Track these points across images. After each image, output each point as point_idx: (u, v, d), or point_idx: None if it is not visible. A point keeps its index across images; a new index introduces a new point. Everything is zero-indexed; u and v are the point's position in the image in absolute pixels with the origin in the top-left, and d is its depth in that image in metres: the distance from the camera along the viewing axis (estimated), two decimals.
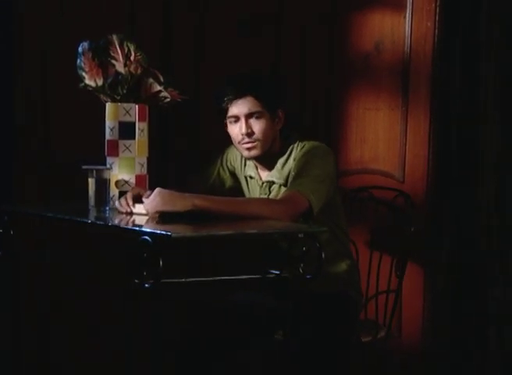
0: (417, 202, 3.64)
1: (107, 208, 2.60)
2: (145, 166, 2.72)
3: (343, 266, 2.83)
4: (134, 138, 2.68)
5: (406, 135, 3.73)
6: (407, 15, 3.68)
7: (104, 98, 2.67)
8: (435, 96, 3.71)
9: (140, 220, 2.44)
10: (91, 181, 2.58)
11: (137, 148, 2.70)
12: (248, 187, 2.94)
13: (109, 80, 2.64)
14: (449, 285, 3.76)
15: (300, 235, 2.32)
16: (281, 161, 2.80)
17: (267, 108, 2.73)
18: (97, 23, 3.20)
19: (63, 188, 3.02)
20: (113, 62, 2.64)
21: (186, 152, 3.47)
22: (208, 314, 2.74)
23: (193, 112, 3.45)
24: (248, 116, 2.71)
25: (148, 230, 2.15)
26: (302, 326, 2.61)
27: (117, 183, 2.68)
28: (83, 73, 2.66)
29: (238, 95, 2.70)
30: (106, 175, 2.60)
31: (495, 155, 3.77)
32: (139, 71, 2.63)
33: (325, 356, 2.65)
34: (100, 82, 2.64)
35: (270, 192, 2.82)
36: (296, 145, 2.80)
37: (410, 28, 3.69)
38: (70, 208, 2.60)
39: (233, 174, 3.00)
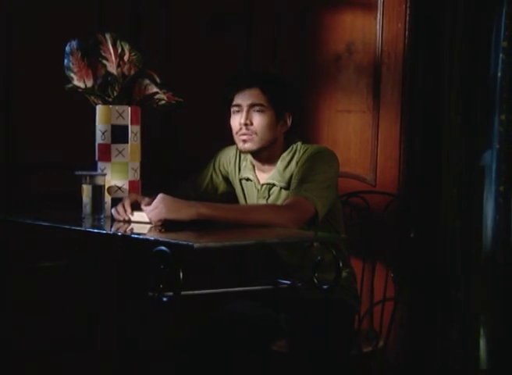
0: (388, 203, 3.64)
1: (102, 215, 2.45)
2: (138, 171, 2.59)
3: (342, 273, 2.76)
4: (127, 142, 2.54)
5: (377, 138, 3.71)
6: (378, 16, 3.66)
7: (95, 100, 2.52)
8: (405, 98, 3.71)
9: (140, 229, 2.31)
10: (86, 188, 2.43)
11: (130, 153, 2.56)
12: (244, 191, 2.84)
13: (99, 81, 2.50)
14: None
15: (315, 244, 2.24)
16: (283, 163, 2.72)
17: (272, 104, 2.66)
18: (65, 22, 3.06)
19: (49, 195, 2.84)
20: (104, 62, 2.50)
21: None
22: (205, 324, 2.63)
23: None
24: (250, 107, 2.65)
25: (167, 239, 2.02)
26: (301, 335, 2.53)
27: (109, 189, 2.53)
28: (72, 74, 2.50)
29: (245, 85, 2.65)
30: (101, 181, 2.45)
31: (457, 157, 3.81)
32: (132, 72, 2.49)
33: (327, 366, 2.58)
34: (89, 83, 2.50)
35: (269, 195, 2.74)
36: (298, 148, 2.73)
37: (381, 29, 3.67)
38: (63, 217, 2.44)
39: (226, 179, 2.90)
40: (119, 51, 2.49)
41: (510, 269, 3.79)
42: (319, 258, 2.22)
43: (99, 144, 2.55)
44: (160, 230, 2.27)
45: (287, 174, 2.70)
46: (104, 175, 2.49)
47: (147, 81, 2.50)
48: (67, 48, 2.51)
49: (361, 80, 3.69)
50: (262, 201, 2.73)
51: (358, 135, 3.71)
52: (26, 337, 2.94)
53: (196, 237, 2.14)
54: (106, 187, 2.52)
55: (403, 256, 3.14)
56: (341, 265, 2.23)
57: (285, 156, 2.73)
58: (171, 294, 1.98)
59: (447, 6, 3.74)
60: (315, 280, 2.22)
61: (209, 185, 2.89)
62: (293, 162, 2.70)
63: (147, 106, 2.56)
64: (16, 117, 2.89)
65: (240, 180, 2.84)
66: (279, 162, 2.72)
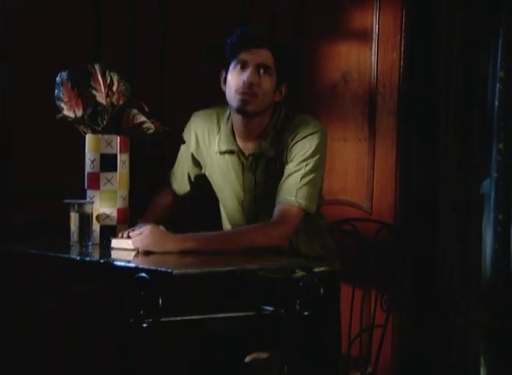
0: (384, 229, 3.66)
1: (90, 243, 2.49)
2: (127, 198, 2.63)
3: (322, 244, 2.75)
4: (116, 171, 2.58)
5: (373, 166, 3.73)
6: (374, 46, 3.70)
7: (84, 130, 2.57)
8: (401, 127, 3.74)
9: (123, 256, 2.34)
10: (73, 216, 2.47)
11: (119, 181, 2.60)
12: (220, 167, 2.69)
13: (89, 111, 2.55)
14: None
15: (297, 270, 2.26)
16: (271, 133, 2.62)
17: (276, 69, 2.59)
18: (62, 51, 3.14)
19: (38, 222, 2.89)
20: (94, 92, 2.55)
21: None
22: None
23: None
24: (258, 67, 2.56)
25: (147, 266, 2.05)
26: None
27: (98, 217, 2.57)
28: (62, 104, 2.56)
29: (255, 44, 2.56)
30: (88, 209, 2.49)
31: (456, 186, 3.82)
32: (121, 101, 2.54)
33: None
34: (79, 113, 2.55)
35: (256, 167, 2.65)
36: (284, 115, 2.65)
37: (376, 59, 3.71)
38: (50, 244, 2.48)
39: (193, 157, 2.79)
40: (108, 81, 2.54)
41: (510, 296, 3.79)
42: (301, 284, 2.24)
43: (88, 173, 2.60)
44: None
45: (276, 144, 2.62)
46: (92, 203, 2.53)
47: (135, 111, 2.55)
48: (58, 79, 2.56)
49: (357, 108, 3.72)
50: (248, 174, 2.64)
51: (354, 163, 3.73)
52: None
53: (176, 263, 2.17)
54: (95, 215, 2.56)
55: (397, 281, 3.17)
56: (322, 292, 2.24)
57: (273, 126, 2.63)
58: (151, 320, 2.00)
59: (443, 37, 3.78)
60: (297, 307, 2.23)
61: (193, 171, 2.80)
62: (285, 134, 2.60)
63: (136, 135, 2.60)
64: (7, 144, 2.94)
65: (218, 153, 2.69)
66: (268, 131, 2.62)
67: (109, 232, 2.56)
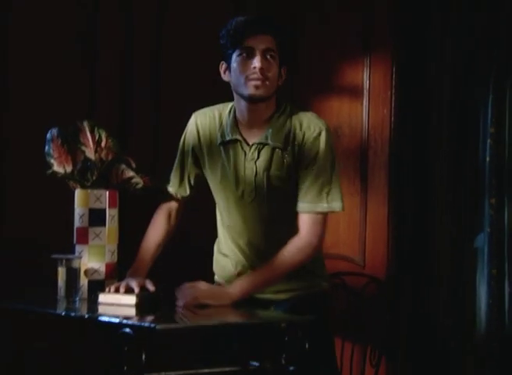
0: (377, 287, 3.66)
1: (77, 298, 2.50)
2: (115, 253, 2.64)
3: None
4: (105, 225, 2.61)
5: (365, 220, 3.75)
6: (365, 102, 3.76)
7: (74, 185, 2.60)
8: (392, 181, 3.77)
9: (109, 310, 2.35)
10: (61, 271, 2.48)
11: (108, 235, 2.62)
12: (223, 159, 2.67)
13: (78, 167, 2.58)
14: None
15: (282, 324, 2.26)
16: (277, 123, 2.62)
17: (279, 53, 2.59)
18: (55, 108, 3.19)
19: (29, 276, 2.90)
20: (83, 148, 2.60)
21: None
22: None
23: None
24: (264, 52, 2.56)
25: (130, 322, 2.06)
26: None
27: (86, 271, 2.58)
28: (52, 160, 2.59)
29: (259, 30, 2.55)
30: (76, 264, 2.51)
31: (448, 240, 3.83)
32: (110, 157, 2.58)
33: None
34: (69, 169, 2.58)
35: (259, 156, 2.62)
36: (290, 109, 2.65)
37: (367, 114, 3.77)
38: (37, 299, 2.49)
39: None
40: (97, 137, 2.58)
41: (504, 352, 3.77)
42: (286, 338, 2.24)
43: (77, 228, 2.62)
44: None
45: (282, 135, 2.61)
46: (80, 258, 2.55)
47: (123, 166, 2.58)
48: (48, 136, 2.61)
49: (349, 163, 3.76)
50: (250, 164, 2.63)
51: (347, 217, 3.75)
52: None
53: (160, 318, 2.18)
54: (83, 269, 2.57)
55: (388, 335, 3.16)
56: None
57: (278, 115, 2.63)
58: None
59: (434, 93, 3.83)
60: (283, 361, 2.23)
61: (193, 171, 2.76)
62: (293, 127, 2.61)
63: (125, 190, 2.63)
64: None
65: (219, 145, 2.68)
66: (273, 121, 2.63)
67: (97, 287, 2.57)
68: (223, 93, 2.82)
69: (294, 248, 2.58)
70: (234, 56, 2.59)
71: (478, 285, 3.85)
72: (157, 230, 2.75)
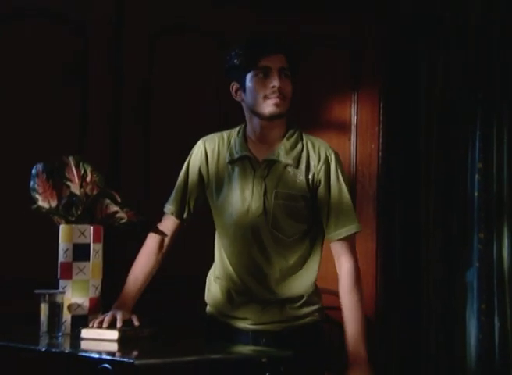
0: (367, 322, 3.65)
1: (60, 334, 2.49)
2: (99, 288, 2.64)
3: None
4: (89, 260, 2.61)
5: None
6: (352, 137, 3.80)
7: (58, 220, 2.61)
8: (381, 215, 3.79)
9: (90, 346, 2.34)
10: (43, 306, 2.48)
11: (92, 270, 2.62)
12: (230, 177, 2.68)
13: (63, 202, 2.60)
14: None
15: (263, 359, 2.26)
16: (289, 141, 2.66)
17: (291, 72, 2.64)
18: (44, 145, 3.21)
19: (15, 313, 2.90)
20: (68, 183, 2.61)
21: None
22: None
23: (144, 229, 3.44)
24: (280, 71, 2.60)
25: (110, 357, 2.06)
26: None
27: (70, 307, 2.58)
28: (37, 195, 2.60)
29: (273, 50, 2.61)
30: (59, 299, 2.51)
31: (438, 275, 3.83)
32: (95, 192, 2.59)
33: None
34: (54, 204, 2.59)
35: (268, 173, 2.65)
36: (301, 134, 2.71)
37: (355, 150, 3.80)
38: (21, 335, 2.48)
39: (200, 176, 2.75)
40: (82, 172, 2.60)
41: None
42: (267, 374, 2.23)
43: (61, 263, 2.62)
44: None
45: (294, 153, 2.65)
46: (63, 293, 2.54)
47: (108, 201, 2.59)
48: (33, 171, 2.61)
49: None
50: (258, 181, 2.65)
51: None
52: None
53: (140, 353, 2.18)
54: (66, 304, 2.57)
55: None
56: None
57: (291, 134, 2.68)
58: None
59: (422, 128, 3.87)
60: None
61: (196, 194, 2.74)
62: (305, 148, 2.67)
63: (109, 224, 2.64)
64: None
65: (228, 163, 2.69)
66: (284, 140, 2.66)
67: (81, 322, 2.56)
68: (213, 128, 2.85)
69: (356, 281, 2.68)
70: (249, 76, 2.62)
71: (467, 320, 3.85)
72: (146, 259, 2.73)
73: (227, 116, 3.62)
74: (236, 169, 2.67)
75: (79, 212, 2.58)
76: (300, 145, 2.68)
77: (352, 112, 3.80)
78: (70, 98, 3.45)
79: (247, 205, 2.65)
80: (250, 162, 2.67)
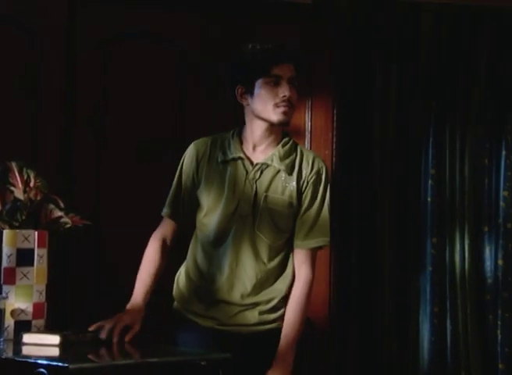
0: (320, 327, 3.69)
1: (1, 339, 2.50)
2: (44, 293, 2.65)
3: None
4: (33, 265, 2.62)
5: None
6: (306, 143, 3.82)
7: (2, 225, 2.62)
8: (335, 220, 3.81)
9: (34, 351, 2.35)
10: None
11: (36, 275, 2.63)
12: (223, 177, 2.73)
13: (7, 207, 2.61)
14: None
15: (202, 363, 2.28)
16: (284, 149, 2.74)
17: (298, 81, 2.74)
18: None
19: None
20: (12, 188, 2.62)
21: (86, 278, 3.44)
22: None
23: (95, 236, 3.46)
24: (289, 81, 2.69)
25: (44, 361, 2.07)
26: None
27: (13, 312, 2.58)
28: None
29: (285, 59, 2.69)
30: (1, 305, 2.51)
31: (392, 280, 3.87)
32: (38, 197, 2.61)
33: None
34: None
35: (260, 176, 2.72)
36: (295, 144, 2.79)
37: None
38: None
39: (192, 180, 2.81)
40: (25, 177, 2.61)
41: None
42: None
43: (4, 268, 2.63)
44: None
45: (288, 160, 2.73)
46: (5, 298, 2.55)
47: (52, 206, 2.60)
48: None
49: None
50: (250, 182, 2.71)
51: None
52: None
53: (76, 357, 2.19)
54: (9, 310, 2.57)
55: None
56: None
57: (286, 142, 2.76)
58: None
59: (375, 135, 3.91)
60: None
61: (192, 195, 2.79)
62: (298, 157, 2.75)
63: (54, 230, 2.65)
64: None
65: (220, 163, 2.75)
66: (279, 146, 2.74)
67: (24, 327, 2.57)
68: (168, 133, 2.87)
69: (307, 291, 2.74)
70: (260, 83, 2.69)
71: (420, 323, 3.90)
72: (151, 263, 2.78)
73: (183, 121, 3.65)
74: (229, 170, 2.73)
75: (23, 218, 2.60)
76: (294, 153, 2.76)
77: (306, 119, 3.83)
78: (21, 110, 3.44)
79: (236, 204, 2.70)
80: (243, 163, 2.73)
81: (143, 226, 2.88)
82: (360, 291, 3.86)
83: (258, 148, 2.75)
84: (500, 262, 3.95)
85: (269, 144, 2.75)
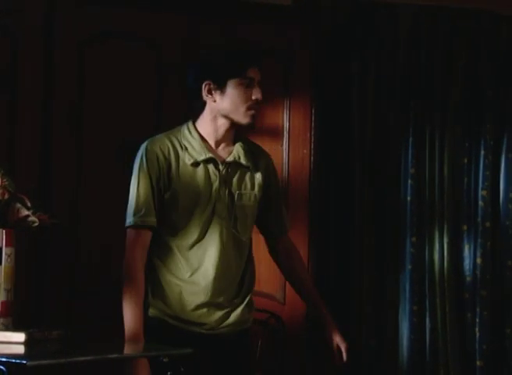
0: (297, 324, 3.72)
1: None
2: (12, 292, 2.66)
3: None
4: (0, 264, 2.64)
5: None
6: (285, 143, 3.85)
7: None
8: (313, 219, 3.85)
9: (12, 349, 2.37)
10: None
11: (4, 274, 2.65)
12: (192, 177, 2.70)
13: None
14: None
15: (164, 359, 2.30)
16: (242, 145, 2.79)
17: None
18: None
19: None
20: None
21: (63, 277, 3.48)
22: None
23: (73, 236, 3.49)
24: (259, 84, 2.73)
25: (3, 359, 2.10)
26: None
27: None
28: None
29: (258, 62, 2.74)
30: None
31: (371, 278, 3.89)
32: (6, 196, 2.63)
33: None
34: None
35: (231, 174, 2.75)
36: (246, 139, 2.85)
37: (287, 155, 3.86)
38: None
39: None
40: None
41: None
42: (169, 373, 2.27)
43: None
44: None
45: (249, 155, 2.78)
46: None
47: (19, 205, 2.62)
48: None
49: None
50: (223, 183, 2.73)
51: (268, 255, 3.75)
52: None
53: (35, 354, 2.21)
54: None
55: None
56: None
57: (241, 138, 2.81)
58: None
59: (354, 134, 3.93)
60: None
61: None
62: (255, 151, 2.83)
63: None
64: None
65: (190, 166, 2.71)
66: (239, 143, 2.78)
67: None
68: (147, 133, 2.87)
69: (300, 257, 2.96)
70: (233, 83, 2.69)
71: (400, 321, 3.92)
72: (142, 284, 2.67)
73: (160, 121, 3.68)
74: (200, 171, 2.71)
75: None
76: (250, 148, 2.81)
77: (284, 119, 3.86)
78: None
79: (213, 205, 2.71)
80: (213, 163, 2.72)
81: (122, 225, 2.82)
82: (339, 291, 3.88)
83: (221, 145, 2.76)
84: (479, 260, 3.98)
85: (230, 141, 2.77)
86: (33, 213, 2.65)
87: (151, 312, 2.69)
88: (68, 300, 3.48)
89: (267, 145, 3.81)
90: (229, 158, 2.74)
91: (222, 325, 2.72)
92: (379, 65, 3.94)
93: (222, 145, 2.76)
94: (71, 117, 3.59)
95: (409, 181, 3.96)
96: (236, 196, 2.73)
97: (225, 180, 2.72)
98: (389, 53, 3.95)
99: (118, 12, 3.59)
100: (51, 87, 3.56)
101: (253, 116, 2.71)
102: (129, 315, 2.61)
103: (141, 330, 2.60)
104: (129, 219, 2.67)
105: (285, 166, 3.85)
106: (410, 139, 3.98)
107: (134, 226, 2.66)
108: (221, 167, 2.72)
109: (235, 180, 2.74)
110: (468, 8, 3.98)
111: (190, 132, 2.75)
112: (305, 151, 3.86)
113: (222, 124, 2.74)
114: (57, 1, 3.56)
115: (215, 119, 2.74)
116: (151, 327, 2.65)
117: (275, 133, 3.86)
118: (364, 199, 3.93)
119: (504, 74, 4.05)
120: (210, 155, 2.71)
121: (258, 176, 2.77)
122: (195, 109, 2.76)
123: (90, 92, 3.61)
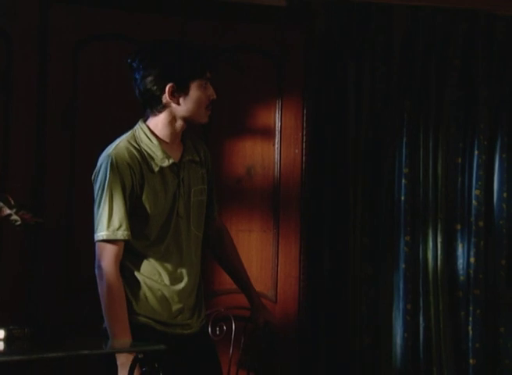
0: (289, 323, 3.75)
1: None
2: None
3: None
4: None
5: (278, 256, 3.85)
6: (277, 142, 3.88)
7: None
8: (304, 218, 3.87)
9: None
10: None
11: None
12: (159, 181, 2.71)
13: None
14: None
15: (139, 355, 2.33)
16: (189, 142, 2.82)
17: None
18: None
19: None
20: None
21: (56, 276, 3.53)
22: None
23: (67, 235, 3.54)
24: (211, 83, 2.79)
25: None
26: None
27: None
28: None
29: (212, 62, 2.81)
30: None
31: (364, 277, 3.91)
32: None
33: None
34: None
35: (186, 173, 2.77)
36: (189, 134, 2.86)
37: (279, 154, 3.89)
38: None
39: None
40: None
41: None
42: (144, 369, 2.31)
43: None
44: None
45: (194, 150, 2.82)
46: None
47: (1, 204, 2.67)
48: None
49: (262, 201, 3.88)
50: (181, 183, 2.76)
51: (259, 253, 3.85)
52: None
53: (13, 351, 2.25)
54: None
55: None
56: None
57: (190, 135, 2.84)
58: None
59: (348, 134, 3.95)
60: None
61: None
62: (195, 143, 2.85)
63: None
64: None
65: (155, 172, 2.71)
66: (188, 140, 2.82)
67: None
68: None
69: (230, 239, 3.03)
70: (196, 85, 2.71)
71: (394, 319, 3.94)
72: (123, 295, 2.65)
73: None
74: (163, 177, 2.71)
75: None
76: (194, 142, 2.85)
77: (276, 118, 3.89)
78: None
79: (176, 208, 2.74)
80: (174, 166, 2.74)
81: None
82: (333, 289, 3.90)
83: (174, 144, 2.76)
84: (472, 259, 3.98)
85: (179, 139, 2.79)
86: (17, 212, 2.69)
87: (139, 319, 2.68)
88: (63, 300, 3.52)
89: (259, 145, 3.90)
90: (186, 158, 2.77)
91: (200, 323, 2.78)
92: (374, 65, 3.96)
93: (176, 144, 2.77)
94: (65, 118, 3.63)
95: (403, 181, 3.97)
96: (192, 193, 2.77)
97: (183, 180, 2.76)
98: (383, 53, 3.96)
99: (111, 13, 3.63)
100: (46, 87, 3.61)
101: (208, 116, 2.77)
102: (119, 328, 2.59)
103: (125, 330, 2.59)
104: (103, 233, 2.62)
105: (277, 166, 3.88)
106: (404, 139, 3.99)
107: (110, 241, 2.62)
108: (180, 168, 2.74)
109: (190, 177, 2.78)
110: (463, 9, 3.98)
111: (147, 136, 2.71)
112: (297, 150, 3.89)
113: (180, 125, 2.75)
114: (51, 2, 3.60)
115: (173, 120, 2.73)
116: (138, 336, 2.62)
117: (268, 133, 3.89)
118: (358, 199, 3.94)
119: (499, 74, 4.05)
120: (172, 160, 2.71)
121: (203, 169, 2.84)
122: (148, 110, 2.75)
123: (84, 93, 3.66)
